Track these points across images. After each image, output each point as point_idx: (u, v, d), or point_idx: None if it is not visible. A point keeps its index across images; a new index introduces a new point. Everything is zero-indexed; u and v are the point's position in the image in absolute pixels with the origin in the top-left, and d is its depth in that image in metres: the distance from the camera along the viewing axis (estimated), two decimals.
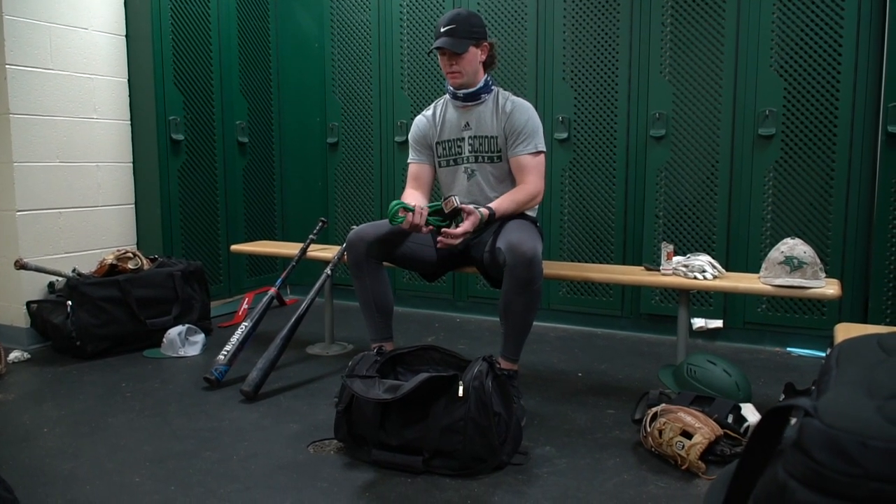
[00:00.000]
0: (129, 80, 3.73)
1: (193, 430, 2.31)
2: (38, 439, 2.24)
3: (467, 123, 2.57)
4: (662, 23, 3.31)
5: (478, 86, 2.52)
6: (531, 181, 2.48)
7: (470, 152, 2.58)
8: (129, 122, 3.75)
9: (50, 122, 3.37)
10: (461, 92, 2.54)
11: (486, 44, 2.52)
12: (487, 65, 2.56)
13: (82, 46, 3.51)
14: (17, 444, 2.21)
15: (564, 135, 3.55)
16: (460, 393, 1.93)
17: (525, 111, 2.51)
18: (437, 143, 2.64)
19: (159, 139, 3.67)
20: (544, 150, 2.53)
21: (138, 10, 3.64)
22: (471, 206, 2.35)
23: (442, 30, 2.45)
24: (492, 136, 2.54)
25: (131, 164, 3.77)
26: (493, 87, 2.57)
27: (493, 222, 2.39)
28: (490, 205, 2.40)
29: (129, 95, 3.74)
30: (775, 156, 3.15)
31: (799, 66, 3.07)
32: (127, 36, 3.71)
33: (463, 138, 2.59)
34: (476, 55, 2.49)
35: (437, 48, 2.45)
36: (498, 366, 2.07)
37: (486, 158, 2.56)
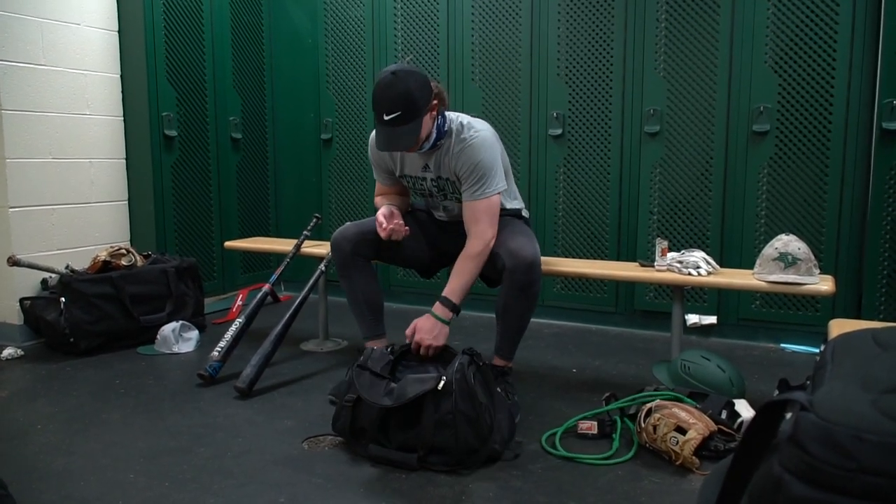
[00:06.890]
0: (121, 76, 3.71)
1: (187, 426, 2.30)
2: (31, 436, 2.23)
3: (426, 165, 2.38)
4: (657, 19, 3.31)
5: (433, 138, 2.26)
6: (481, 229, 2.24)
7: (437, 191, 2.43)
8: (122, 118, 3.73)
9: (42, 118, 3.35)
10: (418, 152, 2.32)
11: (433, 102, 2.20)
12: (439, 112, 2.26)
13: (74, 42, 3.49)
14: (11, 440, 2.20)
15: (559, 131, 3.55)
16: (439, 386, 1.93)
17: (475, 153, 2.23)
18: (401, 176, 2.49)
19: (152, 135, 3.66)
20: (499, 190, 2.27)
21: (131, 5, 3.62)
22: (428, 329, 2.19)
23: (386, 118, 2.13)
24: (452, 180, 2.35)
25: (124, 161, 3.75)
26: (447, 128, 2.29)
27: (458, 312, 2.24)
28: (446, 295, 2.23)
29: (122, 91, 3.72)
30: (770, 152, 3.16)
31: (794, 62, 3.08)
32: (119, 31, 3.69)
33: (425, 178, 2.42)
34: (427, 121, 2.20)
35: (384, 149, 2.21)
36: (484, 363, 2.07)
37: (453, 197, 2.42)
